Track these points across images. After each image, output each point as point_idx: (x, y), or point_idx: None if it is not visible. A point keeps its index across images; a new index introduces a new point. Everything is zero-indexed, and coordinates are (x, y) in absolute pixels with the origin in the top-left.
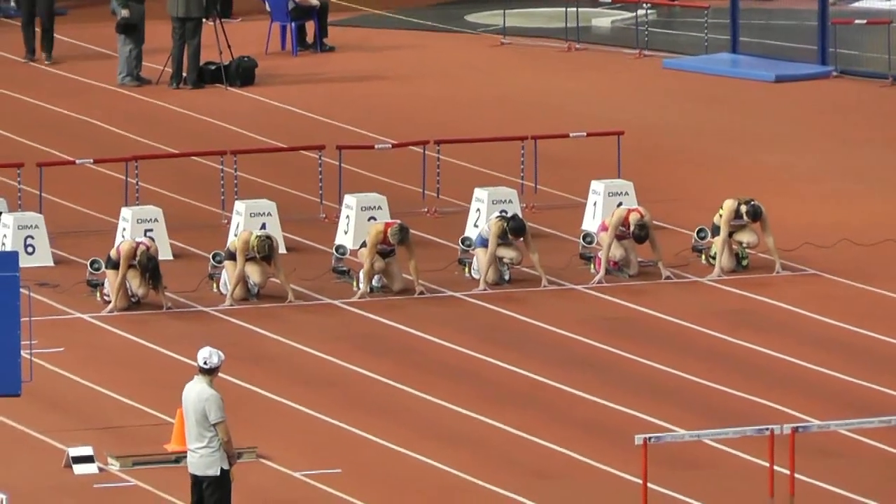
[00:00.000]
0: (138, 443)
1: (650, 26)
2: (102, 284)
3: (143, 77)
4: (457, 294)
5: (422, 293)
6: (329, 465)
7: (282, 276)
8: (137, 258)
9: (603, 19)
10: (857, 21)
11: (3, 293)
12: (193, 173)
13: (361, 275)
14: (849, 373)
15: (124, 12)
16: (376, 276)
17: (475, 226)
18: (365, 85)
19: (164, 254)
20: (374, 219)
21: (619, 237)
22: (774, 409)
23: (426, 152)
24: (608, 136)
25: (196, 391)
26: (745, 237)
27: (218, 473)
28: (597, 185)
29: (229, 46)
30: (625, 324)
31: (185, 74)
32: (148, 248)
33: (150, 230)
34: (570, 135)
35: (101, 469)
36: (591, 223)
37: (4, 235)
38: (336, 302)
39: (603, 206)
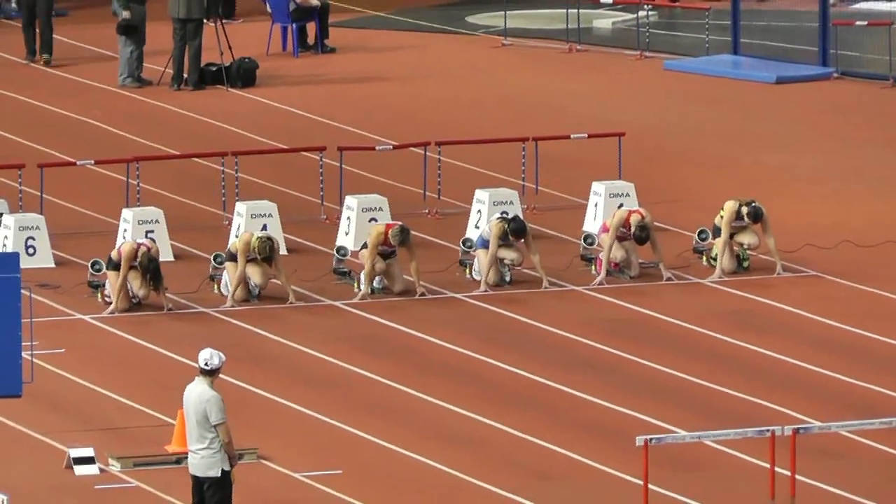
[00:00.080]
0: (139, 444)
1: (651, 28)
2: (103, 286)
3: (144, 78)
4: (458, 295)
5: (423, 294)
6: (330, 465)
7: (283, 277)
8: (138, 259)
9: (604, 20)
10: (857, 22)
11: (4, 294)
12: (194, 174)
13: (362, 276)
14: (850, 374)
15: (125, 13)
16: (377, 278)
17: (476, 227)
18: (366, 86)
19: (165, 255)
20: (375, 220)
21: (620, 238)
22: (775, 410)
23: (427, 153)
24: (609, 137)
25: (197, 392)
26: (746, 238)
27: (219, 474)
28: (598, 187)
29: (230, 48)
30: (626, 325)
31: (185, 76)
32: (149, 250)
33: (151, 231)
34: (571, 136)
35: (101, 470)
36: (592, 224)
37: (5, 237)
38: (337, 303)
39: (604, 207)
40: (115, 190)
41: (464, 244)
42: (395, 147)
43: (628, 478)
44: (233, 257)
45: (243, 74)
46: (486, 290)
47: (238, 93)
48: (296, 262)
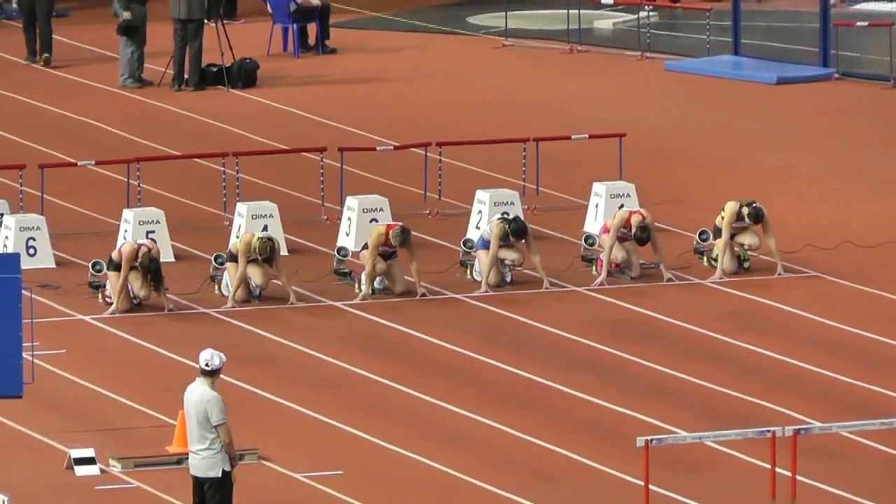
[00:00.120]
0: (140, 444)
1: (652, 28)
2: (104, 286)
3: (145, 79)
4: (458, 296)
5: (423, 295)
6: (330, 466)
7: (283, 277)
8: (139, 260)
9: (605, 21)
10: (858, 23)
11: (4, 295)
12: (195, 175)
13: (363, 276)
14: (850, 374)
15: (126, 14)
16: (378, 278)
17: (477, 228)
18: (366, 86)
19: (166, 255)
20: (376, 220)
21: (621, 239)
22: (776, 410)
23: (428, 154)
24: (610, 137)
25: (198, 393)
26: (746, 239)
27: (219, 475)
28: (598, 187)
29: (231, 48)
30: (626, 326)
31: (186, 76)
32: (150, 250)
33: (152, 232)
34: (572, 136)
35: (102, 470)
36: (592, 225)
37: (6, 237)
38: (338, 304)
39: (605, 207)
40: (116, 190)
41: (464, 245)
42: (395, 148)
43: (628, 478)
44: (233, 258)
45: (244, 75)
46: (486, 291)
47: (239, 93)
48: (296, 263)
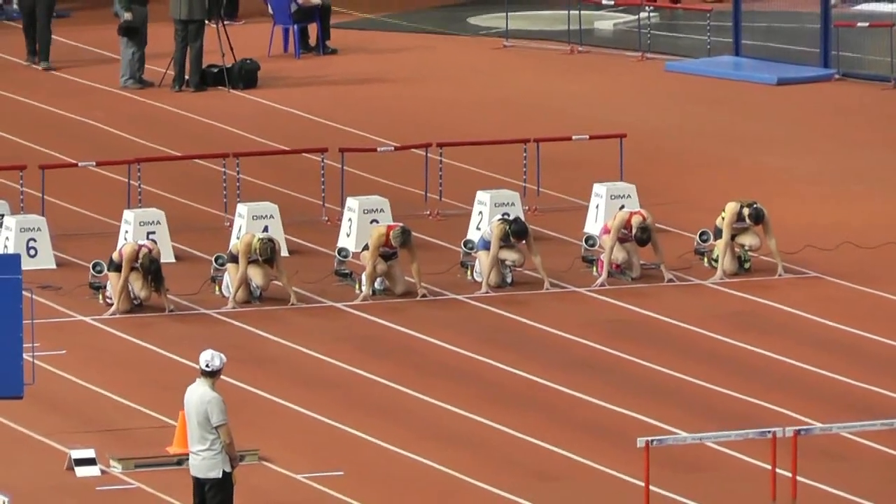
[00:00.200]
0: (140, 445)
1: (653, 29)
2: (105, 287)
3: (146, 79)
4: (459, 297)
5: (424, 296)
6: (331, 466)
7: (284, 278)
8: (140, 261)
9: (605, 22)
10: (859, 24)
11: (5, 296)
12: (195, 176)
13: (364, 277)
14: (851, 375)
15: (127, 15)
16: (378, 279)
17: (477, 228)
18: (367, 87)
19: (167, 256)
20: (377, 221)
21: (622, 240)
22: (776, 411)
23: (428, 155)
24: (610, 138)
25: (198, 394)
26: (747, 240)
27: (220, 476)
28: (599, 188)
29: (231, 49)
30: (627, 326)
31: (187, 77)
32: (150, 251)
33: (153, 233)
34: (573, 137)
35: (103, 471)
36: (593, 226)
37: (7, 238)
38: (338, 304)
39: (605, 208)
40: (117, 191)
41: (465, 245)
42: (396, 148)
43: (629, 478)
44: (234, 259)
45: (245, 76)
46: (487, 292)
47: (239, 94)
48: (297, 264)
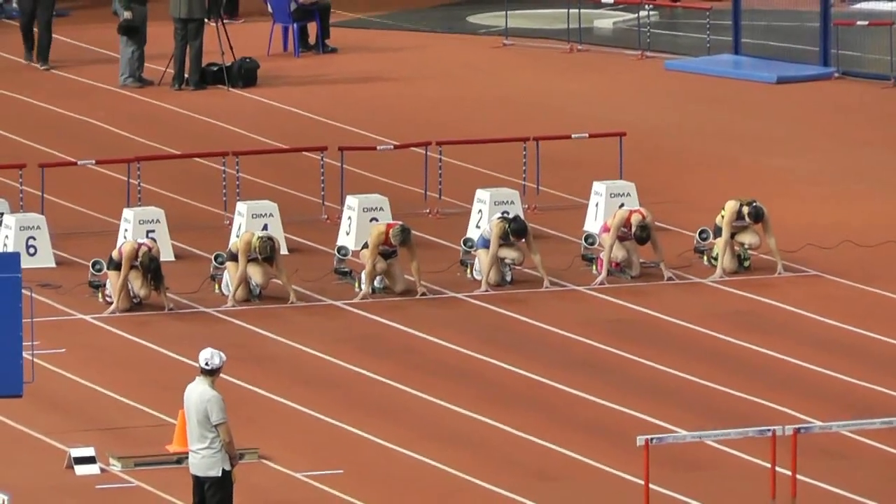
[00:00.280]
0: (140, 444)
1: (652, 27)
2: (104, 285)
3: (145, 78)
4: (458, 295)
5: (423, 294)
6: (330, 465)
7: (283, 277)
8: (139, 259)
9: (605, 20)
10: (858, 22)
11: (4, 294)
12: (195, 174)
13: (363, 276)
14: (851, 374)
15: (126, 14)
16: (378, 278)
17: (477, 227)
18: (367, 86)
19: (166, 255)
20: (376, 220)
21: (621, 238)
22: (776, 410)
23: (428, 153)
24: (610, 137)
25: (198, 392)
26: (746, 238)
27: (219, 474)
28: (599, 187)
29: (231, 48)
30: (627, 325)
31: (187, 75)
32: (150, 249)
33: (152, 231)
34: (572, 136)
35: (102, 470)
36: (592, 224)
37: (6, 236)
38: (338, 303)
39: (605, 207)
40: (116, 190)
41: (465, 244)
42: (396, 147)
43: (629, 477)
44: (234, 257)
45: (244, 74)
46: (486, 290)
47: (239, 93)
48: (297, 262)
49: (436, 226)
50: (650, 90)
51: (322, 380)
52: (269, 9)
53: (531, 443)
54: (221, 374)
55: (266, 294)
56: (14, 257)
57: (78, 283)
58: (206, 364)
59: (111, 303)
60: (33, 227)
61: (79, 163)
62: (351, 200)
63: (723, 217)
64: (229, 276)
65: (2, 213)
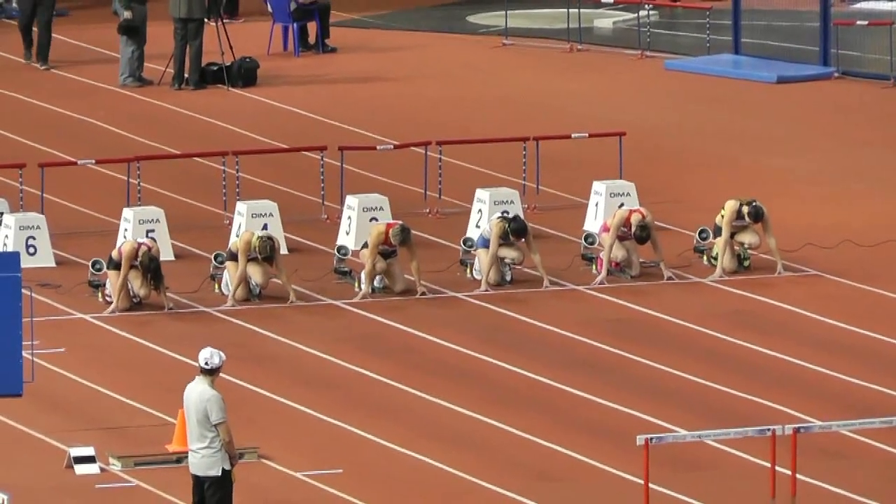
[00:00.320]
0: (140, 443)
1: (652, 27)
2: (104, 285)
3: (145, 78)
4: (458, 295)
5: (423, 294)
6: (330, 465)
7: (283, 276)
8: (139, 259)
9: (605, 20)
10: (858, 22)
11: (4, 294)
12: (195, 174)
13: (363, 275)
14: (850, 373)
15: (126, 13)
16: (378, 277)
17: (477, 226)
18: (367, 86)
19: (166, 254)
20: (376, 219)
21: (621, 238)
22: (776, 409)
23: (428, 153)
24: (610, 136)
25: (197, 392)
26: (746, 238)
27: (219, 474)
28: (598, 186)
29: (231, 47)
30: (626, 325)
31: (186, 75)
32: (150, 249)
33: (152, 231)
34: (572, 135)
35: (102, 469)
36: (592, 224)
37: (6, 236)
38: (338, 303)
39: (605, 206)
40: (116, 189)
41: (464, 244)
42: (395, 147)
43: (629, 477)
44: (233, 257)
45: (244, 74)
46: (486, 290)
47: (239, 92)
48: (297, 262)
49: (435, 225)
50: (650, 90)
51: (322, 379)
52: (269, 8)
53: (531, 442)
54: (221, 374)
55: (266, 294)
56: (14, 257)
57: (78, 283)
58: (206, 363)
59: (111, 302)
60: (33, 226)
61: (79, 162)
62: (351, 200)
63: (722, 217)
64: (229, 276)
65: (2, 213)
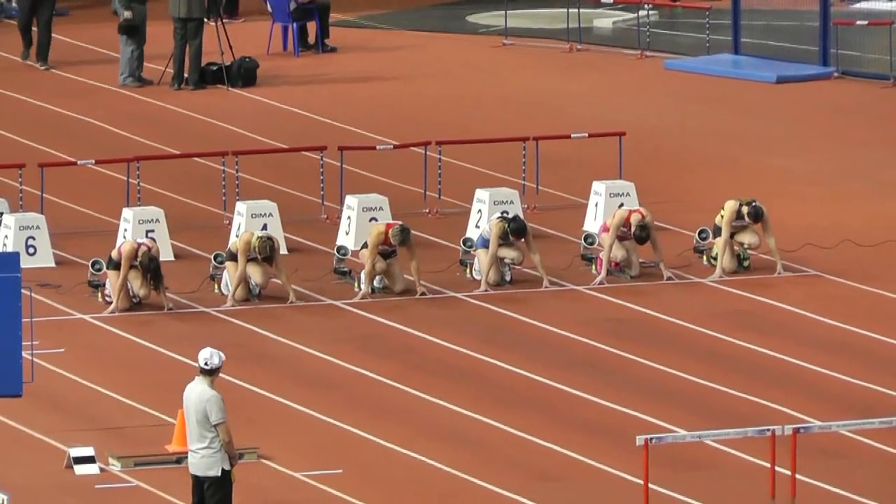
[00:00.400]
0: (139, 443)
1: (652, 27)
2: (104, 285)
3: (145, 78)
4: (458, 295)
5: (423, 294)
6: (330, 465)
7: (283, 276)
8: (139, 259)
9: (604, 20)
10: (858, 22)
11: (4, 294)
12: (195, 174)
13: (363, 275)
14: (850, 373)
15: (126, 13)
16: (378, 277)
17: (476, 226)
18: (366, 86)
19: (166, 254)
20: (376, 219)
21: (621, 238)
22: (776, 409)
23: (427, 153)
24: (609, 136)
25: (197, 392)
26: (746, 238)
27: (219, 474)
28: (598, 186)
29: (231, 47)
30: (626, 325)
31: (186, 75)
32: (149, 249)
33: (152, 231)
34: (572, 135)
35: (102, 469)
36: (592, 224)
37: (6, 236)
38: (337, 303)
39: (604, 206)
40: (116, 189)
41: (464, 244)
42: (395, 147)
43: (629, 477)
44: (233, 257)
45: (244, 74)
46: (486, 290)
47: (239, 92)
48: (296, 262)
49: (435, 225)
50: (650, 90)
51: (322, 379)
52: (269, 8)
53: (531, 442)
54: (221, 374)
55: (265, 294)
56: (14, 257)
57: (77, 283)
58: (206, 364)
59: (111, 302)
60: (33, 226)
61: (78, 162)
62: (350, 200)
63: (722, 217)
64: (229, 276)
65: (1, 213)
